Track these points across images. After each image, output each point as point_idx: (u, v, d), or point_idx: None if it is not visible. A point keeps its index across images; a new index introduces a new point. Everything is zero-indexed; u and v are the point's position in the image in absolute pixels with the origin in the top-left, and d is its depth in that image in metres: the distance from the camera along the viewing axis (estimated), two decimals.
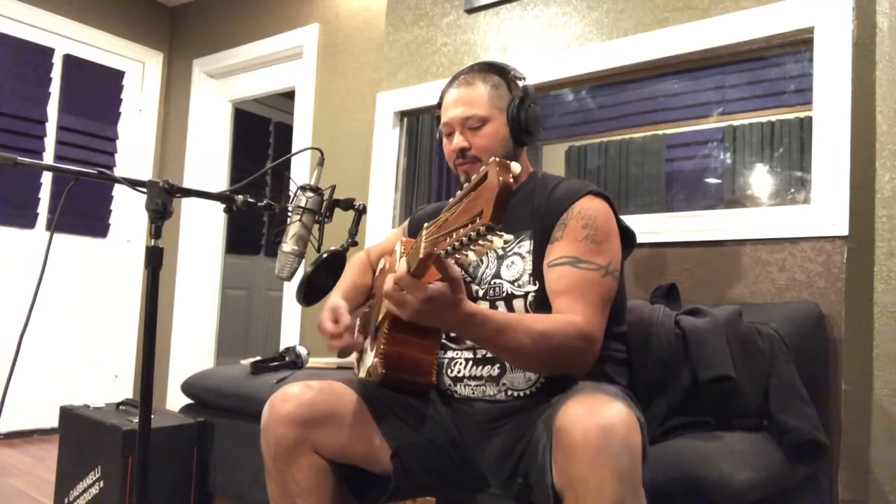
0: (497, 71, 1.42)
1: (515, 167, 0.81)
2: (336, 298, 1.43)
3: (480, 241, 0.82)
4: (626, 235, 1.35)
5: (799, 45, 1.86)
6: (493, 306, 1.30)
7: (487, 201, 0.79)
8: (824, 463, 1.54)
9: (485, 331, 1.10)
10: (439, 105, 1.46)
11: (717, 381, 1.39)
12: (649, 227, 1.97)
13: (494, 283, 1.31)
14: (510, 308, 1.28)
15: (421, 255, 0.97)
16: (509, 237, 0.86)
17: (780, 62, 2.01)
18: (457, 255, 0.88)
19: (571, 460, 0.92)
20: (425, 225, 1.00)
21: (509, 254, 1.33)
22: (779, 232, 1.77)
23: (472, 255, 0.86)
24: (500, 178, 0.78)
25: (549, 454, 1.00)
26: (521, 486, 1.16)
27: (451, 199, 0.91)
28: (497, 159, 0.81)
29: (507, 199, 0.78)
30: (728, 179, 2.43)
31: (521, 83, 1.41)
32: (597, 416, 0.92)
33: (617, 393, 1.09)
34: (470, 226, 0.81)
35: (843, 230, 1.67)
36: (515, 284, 1.29)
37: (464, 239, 0.83)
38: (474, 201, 0.83)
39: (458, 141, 1.37)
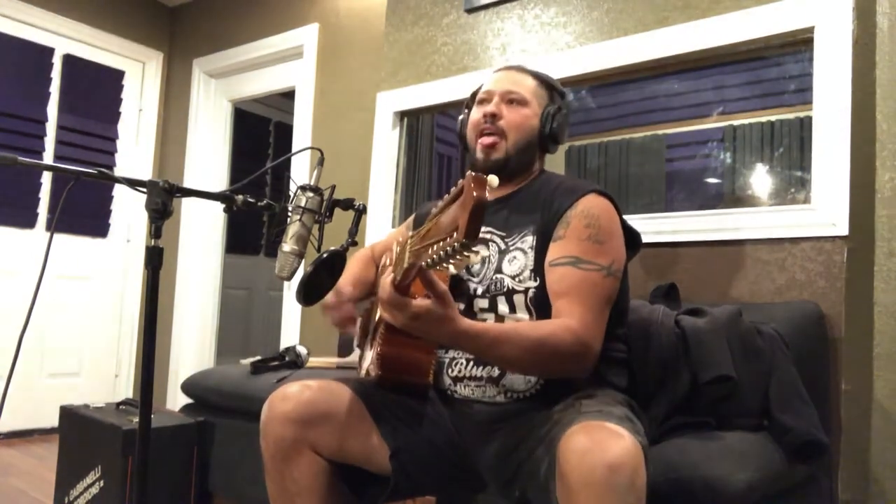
0: (544, 77, 1.49)
1: (493, 181, 0.81)
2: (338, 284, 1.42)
3: (457, 256, 0.82)
4: (631, 237, 1.35)
5: (799, 44, 1.86)
6: (493, 302, 1.29)
7: (462, 217, 0.79)
8: (824, 463, 1.53)
9: (477, 345, 1.10)
10: (474, 95, 1.50)
11: (717, 381, 1.39)
12: (649, 227, 1.97)
13: (496, 277, 1.30)
14: (510, 303, 1.28)
15: (405, 266, 0.98)
16: (486, 253, 0.85)
17: (780, 62, 2.01)
18: (437, 268, 0.88)
19: (576, 498, 0.91)
20: (410, 234, 1.00)
21: (511, 248, 1.32)
22: (779, 232, 1.77)
23: (451, 269, 0.86)
24: (475, 194, 0.78)
25: (552, 482, 0.98)
26: (518, 499, 1.15)
27: (434, 209, 0.90)
28: (474, 174, 0.80)
29: (480, 214, 0.78)
30: (728, 179, 2.43)
31: (563, 98, 1.49)
32: (603, 454, 0.90)
33: (622, 416, 1.06)
34: (448, 240, 0.81)
35: (843, 230, 1.67)
36: (516, 280, 1.28)
37: (441, 253, 0.83)
38: (452, 214, 0.83)
39: (493, 106, 1.40)
